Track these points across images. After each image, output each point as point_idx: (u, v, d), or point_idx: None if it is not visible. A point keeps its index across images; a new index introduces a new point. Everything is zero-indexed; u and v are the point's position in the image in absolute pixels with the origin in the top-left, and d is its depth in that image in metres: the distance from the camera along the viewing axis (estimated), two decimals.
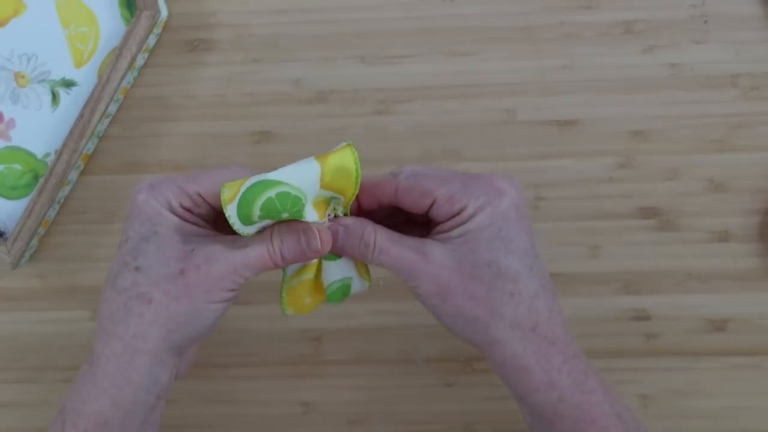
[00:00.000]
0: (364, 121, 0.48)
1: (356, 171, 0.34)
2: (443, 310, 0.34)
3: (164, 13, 0.47)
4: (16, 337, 0.50)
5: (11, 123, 0.48)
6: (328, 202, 0.35)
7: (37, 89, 0.48)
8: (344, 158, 0.34)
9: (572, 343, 0.35)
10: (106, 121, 0.48)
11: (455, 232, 0.34)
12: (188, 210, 0.34)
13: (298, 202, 0.33)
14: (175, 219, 0.34)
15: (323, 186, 0.33)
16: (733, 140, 0.47)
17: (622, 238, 0.48)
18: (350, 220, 0.35)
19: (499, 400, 0.49)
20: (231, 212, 0.32)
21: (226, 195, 0.33)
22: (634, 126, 0.48)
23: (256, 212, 0.32)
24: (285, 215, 0.33)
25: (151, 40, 0.47)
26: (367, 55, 0.48)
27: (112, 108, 0.48)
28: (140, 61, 0.48)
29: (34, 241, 0.48)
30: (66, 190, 0.48)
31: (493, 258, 0.33)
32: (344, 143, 0.34)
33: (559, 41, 0.47)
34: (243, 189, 0.32)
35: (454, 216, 0.34)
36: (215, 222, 0.36)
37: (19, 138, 0.48)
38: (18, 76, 0.48)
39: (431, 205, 0.34)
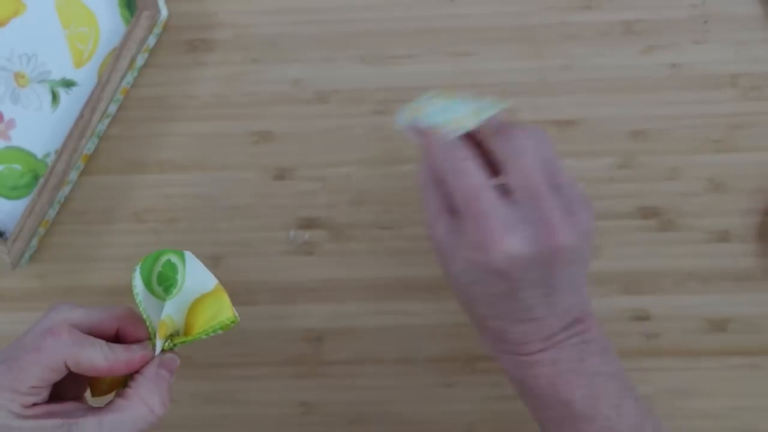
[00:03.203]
0: (364, 121, 0.48)
1: (218, 329, 0.35)
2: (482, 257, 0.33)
3: (164, 13, 0.47)
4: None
5: (11, 123, 0.48)
6: (172, 326, 0.35)
7: (37, 89, 0.48)
8: (223, 314, 0.35)
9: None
10: (106, 121, 0.48)
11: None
12: (34, 405, 0.33)
13: (173, 271, 0.36)
14: (30, 423, 0.32)
15: (192, 305, 0.35)
16: (733, 140, 0.47)
17: (622, 238, 0.48)
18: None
19: (500, 400, 0.49)
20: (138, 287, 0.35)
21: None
22: (634, 126, 0.48)
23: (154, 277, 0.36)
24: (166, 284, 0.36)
25: (151, 40, 0.47)
26: (367, 55, 0.48)
27: (112, 108, 0.48)
28: (140, 61, 0.48)
29: (34, 241, 0.48)
30: (66, 190, 0.48)
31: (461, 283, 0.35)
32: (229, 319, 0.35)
33: (559, 41, 0.47)
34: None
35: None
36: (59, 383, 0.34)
37: (19, 138, 0.48)
38: (18, 76, 0.48)
39: None
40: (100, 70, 0.48)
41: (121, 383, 0.35)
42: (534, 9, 0.47)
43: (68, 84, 0.48)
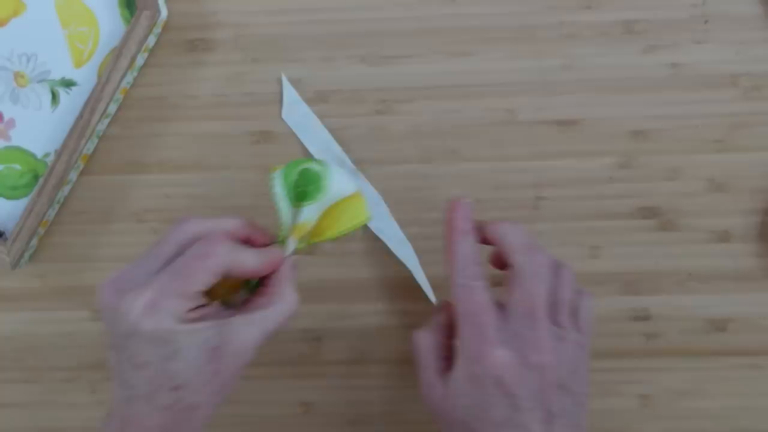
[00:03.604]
0: (364, 121, 0.48)
1: (352, 229, 0.39)
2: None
3: (164, 13, 0.47)
4: (16, 337, 0.50)
5: (11, 123, 0.48)
6: (305, 229, 0.39)
7: (37, 89, 0.48)
8: (359, 214, 0.39)
9: None
10: (106, 121, 0.48)
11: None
12: (193, 309, 0.35)
13: (316, 179, 0.39)
14: (189, 327, 0.34)
15: (328, 209, 0.39)
16: (734, 140, 0.47)
17: (622, 238, 0.48)
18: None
19: None
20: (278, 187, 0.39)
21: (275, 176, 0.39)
22: (634, 126, 0.48)
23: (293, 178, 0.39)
24: (305, 189, 0.39)
25: (151, 40, 0.47)
26: (367, 55, 0.48)
27: (112, 108, 0.48)
28: (140, 61, 0.47)
29: (34, 241, 0.48)
30: (66, 190, 0.48)
31: (465, 420, 0.36)
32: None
33: (559, 41, 0.47)
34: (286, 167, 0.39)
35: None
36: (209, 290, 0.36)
37: (19, 138, 0.48)
38: (18, 75, 0.48)
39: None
40: (100, 70, 0.48)
41: (238, 287, 0.38)
42: (534, 9, 0.47)
43: (68, 84, 0.48)
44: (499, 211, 0.48)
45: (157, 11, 0.46)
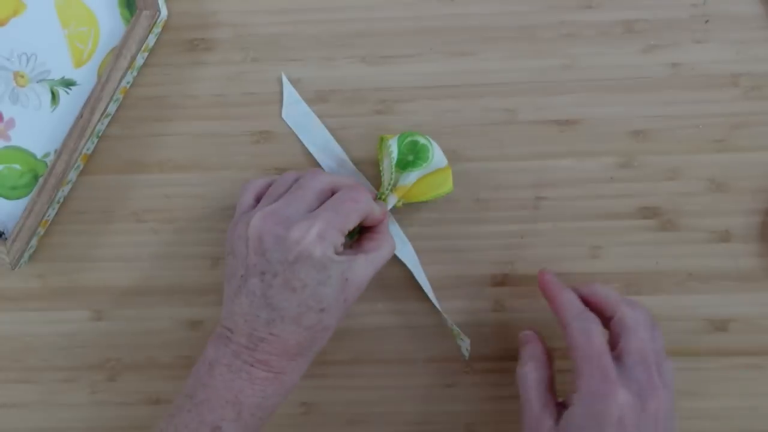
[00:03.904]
0: (364, 121, 0.48)
1: (440, 195, 0.47)
2: None
3: (164, 12, 0.47)
4: (16, 337, 0.50)
5: (11, 123, 0.48)
6: (404, 190, 0.46)
7: (37, 89, 0.48)
8: (446, 184, 0.46)
9: None
10: (106, 121, 0.48)
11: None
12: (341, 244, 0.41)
13: (424, 150, 0.46)
14: (340, 258, 0.40)
15: (425, 176, 0.46)
16: (734, 140, 0.47)
17: (622, 238, 0.48)
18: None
19: (500, 400, 0.49)
20: (393, 146, 0.45)
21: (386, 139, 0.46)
22: (634, 126, 0.48)
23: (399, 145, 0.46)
24: (410, 157, 0.46)
25: (151, 40, 0.47)
26: (367, 55, 0.48)
27: (112, 108, 0.48)
28: (140, 60, 0.47)
29: (34, 241, 0.48)
30: (65, 190, 0.48)
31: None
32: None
33: (559, 41, 0.47)
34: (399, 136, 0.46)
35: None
36: None
37: (19, 138, 0.48)
38: (17, 75, 0.48)
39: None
40: (100, 70, 0.48)
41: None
42: (534, 8, 0.47)
43: (68, 83, 0.48)
44: (499, 211, 0.48)
45: (157, 11, 0.46)
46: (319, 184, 0.42)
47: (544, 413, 0.40)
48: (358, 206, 0.41)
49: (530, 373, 0.42)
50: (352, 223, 0.41)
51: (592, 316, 0.41)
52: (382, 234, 0.44)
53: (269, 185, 0.44)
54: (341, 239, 0.40)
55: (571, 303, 0.42)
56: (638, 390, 0.38)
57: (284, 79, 0.48)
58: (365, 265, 0.41)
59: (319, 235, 0.39)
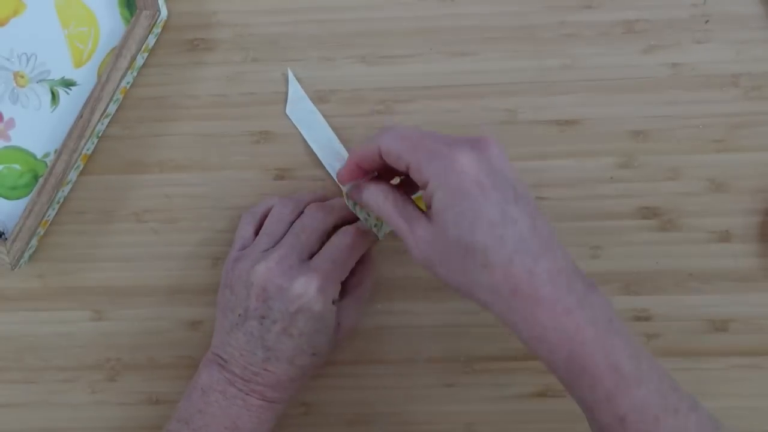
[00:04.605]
0: (364, 121, 0.48)
1: None
2: (433, 274, 0.38)
3: (164, 12, 0.47)
4: (16, 337, 0.50)
5: (11, 123, 0.48)
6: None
7: (37, 89, 0.48)
8: None
9: (567, 297, 0.34)
10: (106, 121, 0.48)
11: (431, 209, 0.36)
12: None
13: None
14: (333, 308, 0.43)
15: (418, 197, 0.42)
16: (734, 140, 0.47)
17: (622, 238, 0.48)
18: (373, 183, 0.41)
19: (500, 401, 0.49)
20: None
21: None
22: (634, 126, 0.47)
23: None
24: None
25: (151, 40, 0.47)
26: (367, 55, 0.48)
27: (112, 108, 0.48)
28: (140, 60, 0.47)
29: (34, 242, 0.48)
30: (65, 190, 0.48)
31: (459, 235, 0.35)
32: None
33: (559, 41, 0.47)
34: None
35: (424, 187, 0.37)
36: None
37: (19, 138, 0.48)
38: (17, 75, 0.48)
39: (408, 170, 0.37)
40: (100, 70, 0.48)
41: None
42: (534, 8, 0.47)
43: (68, 84, 0.48)
44: None
45: (157, 11, 0.46)
46: (321, 225, 0.44)
47: (414, 218, 0.38)
48: (354, 253, 0.43)
49: (384, 202, 0.39)
50: (349, 269, 0.44)
51: (378, 133, 0.39)
52: (364, 265, 0.46)
53: (268, 211, 0.46)
54: (338, 288, 0.43)
55: (359, 150, 0.40)
56: (471, 144, 0.36)
57: (290, 75, 0.48)
58: (355, 308, 0.45)
59: (319, 290, 0.41)
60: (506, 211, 0.35)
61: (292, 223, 0.44)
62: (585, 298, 0.35)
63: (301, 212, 0.45)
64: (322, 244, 0.44)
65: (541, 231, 0.36)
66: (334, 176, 0.48)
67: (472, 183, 0.35)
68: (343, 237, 0.43)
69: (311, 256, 0.43)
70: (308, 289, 0.41)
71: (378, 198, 0.39)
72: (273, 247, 0.43)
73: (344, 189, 0.42)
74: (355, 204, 0.43)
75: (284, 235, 0.44)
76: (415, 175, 0.37)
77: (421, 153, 0.36)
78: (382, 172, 0.42)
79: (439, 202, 0.36)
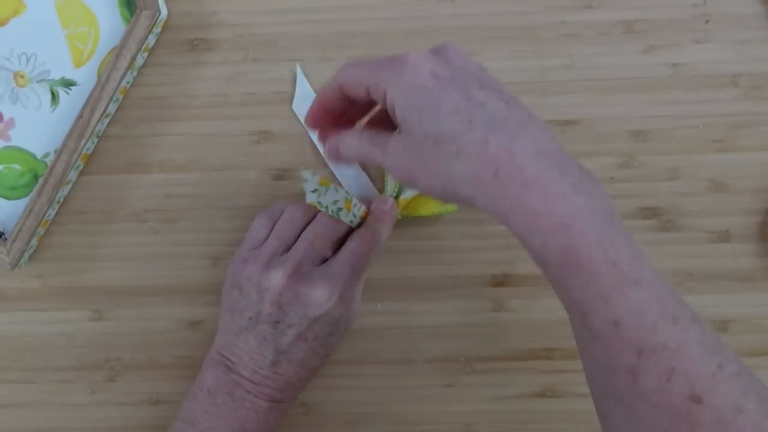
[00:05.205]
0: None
1: (442, 212, 0.48)
2: (419, 188, 0.35)
3: (164, 12, 0.47)
4: (16, 337, 0.50)
5: (11, 123, 0.48)
6: (404, 204, 0.47)
7: (37, 89, 0.48)
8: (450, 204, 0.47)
9: (559, 180, 0.31)
10: (106, 121, 0.48)
11: (398, 121, 0.35)
12: None
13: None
14: (350, 312, 0.43)
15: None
16: (734, 140, 0.47)
17: None
18: (343, 134, 0.39)
19: (500, 400, 0.49)
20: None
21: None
22: (634, 126, 0.47)
23: None
24: None
25: (151, 40, 0.47)
26: (367, 55, 0.48)
27: (112, 108, 0.48)
28: (140, 60, 0.47)
29: (34, 241, 0.48)
30: (65, 190, 0.48)
31: (426, 130, 0.33)
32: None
33: (559, 41, 0.47)
34: None
35: (385, 103, 0.35)
36: None
37: (19, 138, 0.48)
38: (17, 75, 0.48)
39: (369, 93, 0.36)
40: (100, 70, 0.48)
41: None
42: (534, 8, 0.47)
43: (68, 84, 0.48)
44: None
45: (157, 11, 0.46)
46: (334, 234, 0.43)
47: (385, 138, 0.36)
48: (370, 258, 0.44)
49: (359, 143, 0.38)
50: (364, 275, 0.44)
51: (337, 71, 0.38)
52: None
53: (280, 214, 0.44)
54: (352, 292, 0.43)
55: (321, 92, 0.39)
56: (426, 49, 0.35)
57: (299, 71, 0.48)
58: (357, 302, 0.45)
59: (340, 297, 0.41)
60: (471, 97, 0.33)
61: (304, 226, 0.43)
62: (581, 183, 0.31)
63: (314, 216, 0.44)
64: (335, 251, 0.43)
65: (518, 113, 0.33)
66: (338, 174, 0.48)
67: (426, 76, 0.34)
68: (362, 243, 0.43)
69: (322, 262, 0.43)
70: (331, 296, 0.41)
71: (353, 142, 0.38)
72: (285, 251, 0.42)
73: (325, 156, 0.42)
74: (318, 202, 0.43)
75: (294, 238, 0.43)
76: (375, 95, 0.35)
77: (375, 71, 0.35)
78: (347, 113, 0.40)
79: (400, 107, 0.34)
